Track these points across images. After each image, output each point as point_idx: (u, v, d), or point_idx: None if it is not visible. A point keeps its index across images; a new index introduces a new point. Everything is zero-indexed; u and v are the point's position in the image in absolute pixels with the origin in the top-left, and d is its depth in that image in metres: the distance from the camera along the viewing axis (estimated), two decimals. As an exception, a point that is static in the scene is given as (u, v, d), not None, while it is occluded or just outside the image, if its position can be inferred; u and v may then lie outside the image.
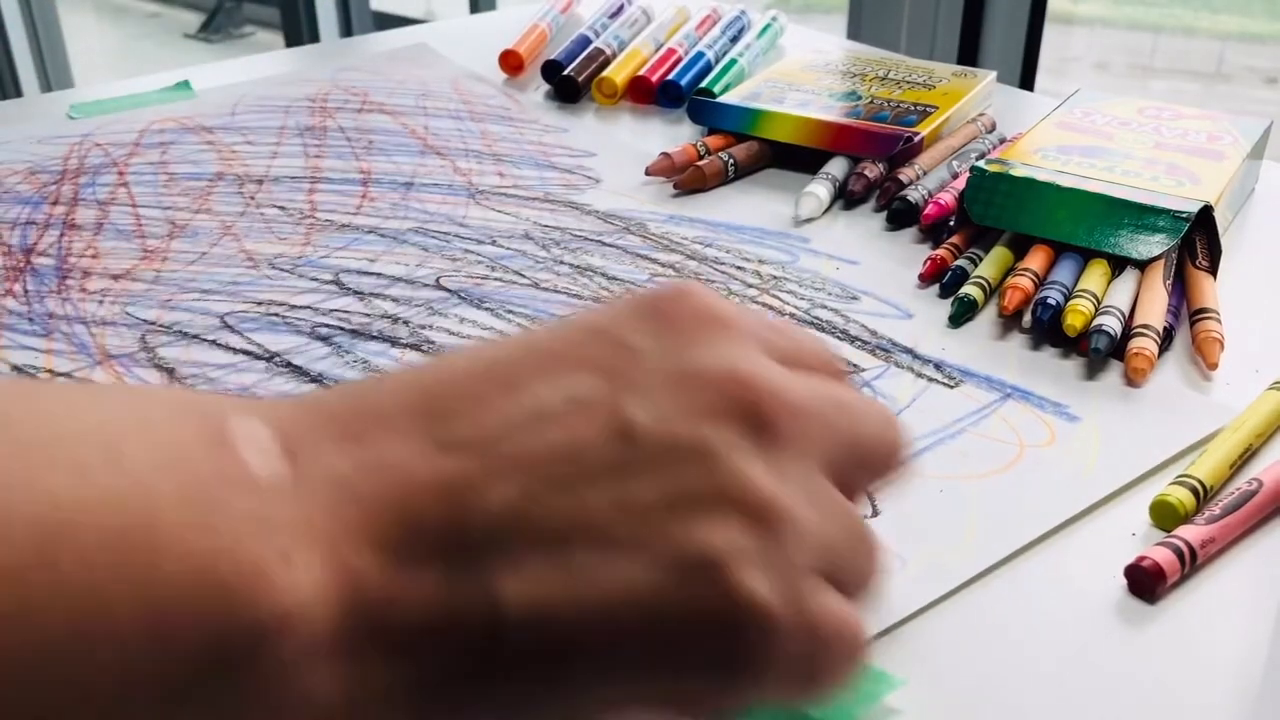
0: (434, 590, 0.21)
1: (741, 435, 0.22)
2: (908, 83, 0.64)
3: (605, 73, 0.69)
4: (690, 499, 0.21)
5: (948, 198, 0.52)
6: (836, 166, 0.57)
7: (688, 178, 0.56)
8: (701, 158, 0.58)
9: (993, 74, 0.66)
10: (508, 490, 0.21)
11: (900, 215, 0.53)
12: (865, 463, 0.24)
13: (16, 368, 0.42)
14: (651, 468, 0.21)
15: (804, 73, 0.66)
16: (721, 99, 0.63)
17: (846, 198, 0.56)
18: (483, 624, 0.20)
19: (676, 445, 0.21)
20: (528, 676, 0.21)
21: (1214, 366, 0.42)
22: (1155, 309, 0.43)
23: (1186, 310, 0.45)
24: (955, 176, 0.56)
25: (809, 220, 0.54)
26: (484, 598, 0.20)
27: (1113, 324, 0.42)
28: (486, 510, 0.21)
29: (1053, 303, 0.43)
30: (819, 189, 0.54)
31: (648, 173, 0.57)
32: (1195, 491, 0.35)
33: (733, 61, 0.70)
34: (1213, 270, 0.46)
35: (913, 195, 0.54)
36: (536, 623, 0.20)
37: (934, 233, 0.52)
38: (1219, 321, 0.43)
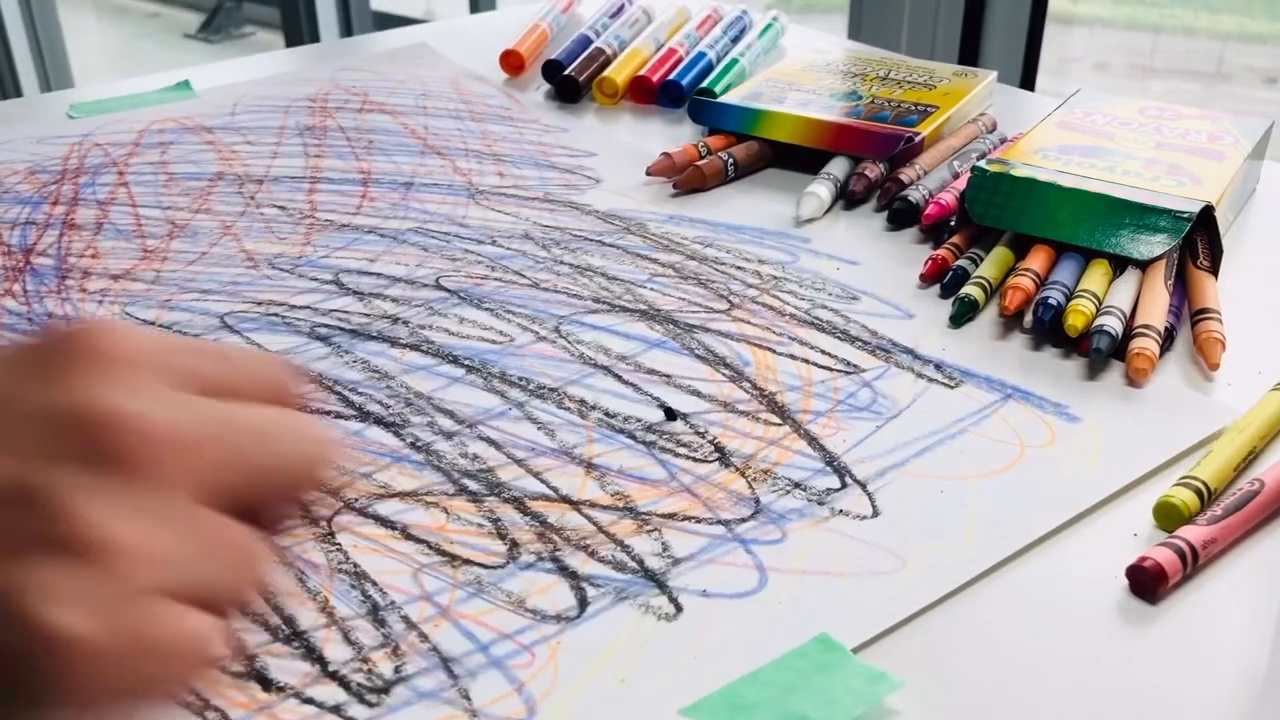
0: None
1: (86, 474, 0.22)
2: (908, 83, 0.64)
3: (606, 73, 0.69)
4: (11, 541, 0.22)
5: (948, 198, 0.52)
6: (837, 166, 0.57)
7: (687, 177, 0.56)
8: (702, 157, 0.58)
9: (993, 74, 0.66)
10: None
11: (901, 215, 0.53)
12: (270, 483, 0.25)
13: (16, 368, 0.42)
14: None
15: (804, 73, 0.65)
16: (722, 99, 0.62)
17: (847, 198, 0.56)
18: None
19: (4, 489, 0.22)
20: None
21: (1215, 367, 0.42)
22: (1156, 309, 0.43)
23: (1188, 310, 0.45)
24: (956, 176, 0.56)
25: (810, 220, 0.54)
26: None
27: (1114, 324, 0.42)
28: None
29: (1054, 303, 0.43)
30: (820, 189, 0.54)
31: (648, 173, 0.57)
32: (1199, 493, 0.35)
33: (734, 61, 0.70)
34: (1214, 270, 0.46)
35: (913, 195, 0.54)
36: None
37: (934, 233, 0.52)
38: (1220, 322, 0.43)
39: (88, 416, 0.22)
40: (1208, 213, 0.47)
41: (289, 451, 0.25)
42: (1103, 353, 0.42)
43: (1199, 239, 0.47)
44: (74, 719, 0.22)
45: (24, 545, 0.22)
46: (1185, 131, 0.54)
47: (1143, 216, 0.46)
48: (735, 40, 0.74)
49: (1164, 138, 0.53)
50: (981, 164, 0.49)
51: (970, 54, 1.43)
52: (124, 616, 0.22)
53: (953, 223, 0.51)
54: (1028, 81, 1.43)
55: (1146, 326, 0.42)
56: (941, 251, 0.49)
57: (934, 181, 0.55)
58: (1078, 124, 0.55)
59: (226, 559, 0.24)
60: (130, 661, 0.22)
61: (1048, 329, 0.43)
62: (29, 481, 0.22)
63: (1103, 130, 0.54)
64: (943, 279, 0.47)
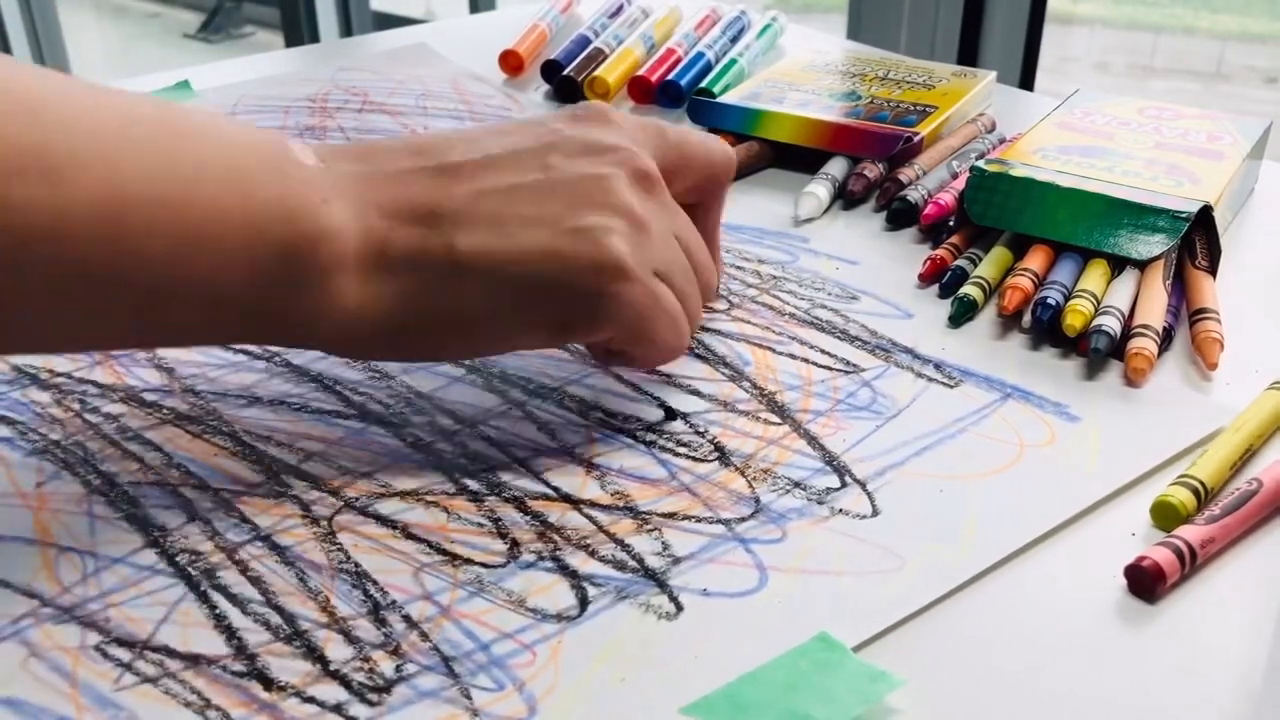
0: (417, 240, 0.34)
1: (629, 179, 0.36)
2: (907, 83, 0.64)
3: (597, 72, 0.69)
4: (587, 202, 0.35)
5: (947, 198, 0.52)
6: (836, 166, 0.57)
7: (742, 156, 0.57)
8: None
9: (992, 74, 0.66)
10: (467, 192, 0.35)
11: (900, 215, 0.53)
12: (706, 184, 0.41)
13: (16, 367, 0.42)
14: (564, 187, 0.35)
15: (804, 73, 0.66)
16: (721, 99, 0.63)
17: (846, 198, 0.56)
18: (446, 258, 0.34)
19: (584, 175, 0.36)
20: (474, 295, 0.34)
21: (1213, 366, 0.42)
22: (1155, 309, 0.43)
23: (1186, 310, 0.45)
24: (955, 176, 0.56)
25: (808, 220, 0.54)
26: (447, 244, 0.34)
27: (1112, 324, 0.42)
28: (452, 202, 0.35)
29: (1052, 303, 0.43)
30: (818, 189, 0.54)
31: None
32: (1196, 492, 0.35)
33: (733, 61, 0.70)
34: (1212, 270, 0.46)
35: (912, 195, 0.54)
36: (479, 257, 0.34)
37: (934, 233, 0.52)
38: (1219, 321, 0.43)
39: (627, 149, 0.37)
40: (1206, 213, 0.47)
41: (714, 158, 0.41)
42: (1101, 352, 0.42)
43: (1197, 239, 0.47)
44: (604, 333, 0.36)
45: (594, 205, 0.35)
46: (1184, 131, 0.54)
47: (1141, 216, 0.46)
48: (734, 40, 0.74)
49: (1163, 138, 0.53)
50: (980, 164, 0.49)
51: (970, 54, 1.43)
52: (647, 268, 0.36)
53: (951, 223, 0.51)
54: (1027, 81, 1.43)
55: (1145, 326, 0.42)
56: (940, 251, 0.49)
57: (933, 181, 0.55)
58: (1077, 124, 0.55)
59: (694, 266, 0.38)
60: (646, 301, 0.36)
61: (1046, 329, 0.43)
62: (603, 172, 0.36)
63: (1102, 130, 0.54)
64: (941, 279, 0.47)
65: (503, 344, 0.37)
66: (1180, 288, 0.46)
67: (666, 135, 0.39)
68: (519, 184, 0.35)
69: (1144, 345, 0.41)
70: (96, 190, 0.29)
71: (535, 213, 0.35)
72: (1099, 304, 0.43)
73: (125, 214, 0.30)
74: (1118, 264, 0.46)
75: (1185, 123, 0.55)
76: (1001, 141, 0.59)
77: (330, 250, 0.33)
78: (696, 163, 0.40)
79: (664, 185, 0.37)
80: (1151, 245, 0.45)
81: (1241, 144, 0.53)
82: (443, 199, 0.34)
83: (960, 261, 0.48)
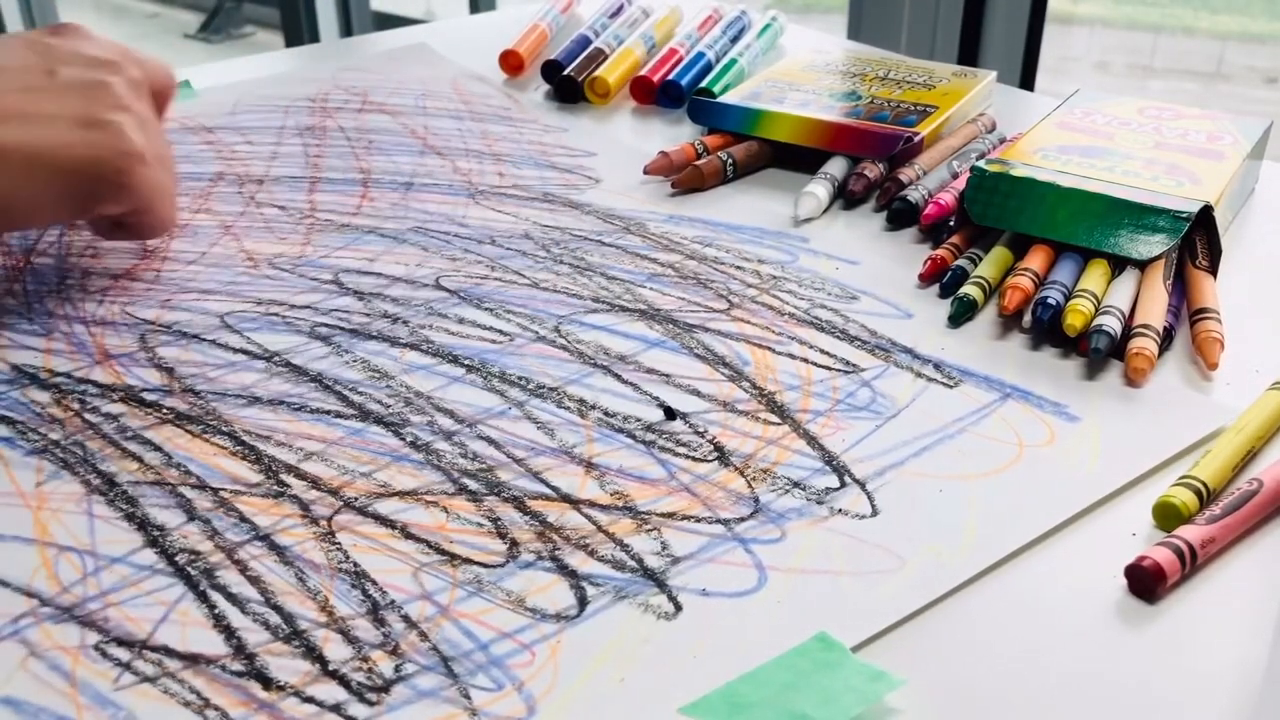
0: None
1: (127, 85, 0.45)
2: (908, 83, 0.64)
3: (598, 72, 0.69)
4: (100, 104, 0.43)
5: (948, 198, 0.52)
6: (836, 166, 0.57)
7: (685, 177, 0.56)
8: (700, 157, 0.58)
9: (993, 74, 0.66)
10: None
11: (900, 215, 0.53)
12: (162, 93, 0.49)
13: (16, 367, 0.42)
14: (77, 90, 0.43)
15: (804, 73, 0.66)
16: (721, 99, 0.62)
17: (846, 197, 0.56)
18: None
19: (93, 80, 0.44)
20: (8, 181, 0.41)
21: (1214, 367, 0.42)
22: (1155, 309, 0.43)
23: (1187, 310, 0.45)
24: (955, 176, 0.56)
25: (808, 220, 0.54)
26: None
27: (1112, 324, 0.42)
28: None
29: (1053, 303, 0.43)
30: (818, 189, 0.54)
31: (646, 171, 0.57)
32: (1198, 493, 0.35)
33: (733, 61, 0.70)
34: (1213, 270, 0.46)
35: (913, 195, 0.54)
36: (13, 150, 0.41)
37: (934, 233, 0.52)
38: (1219, 321, 0.43)
39: (118, 63, 0.46)
40: (1207, 213, 0.47)
41: (165, 75, 0.49)
42: (1101, 352, 0.42)
43: (1198, 239, 0.47)
44: (135, 213, 0.45)
45: (113, 107, 0.44)
46: (1185, 131, 0.54)
47: (1141, 216, 0.46)
48: (734, 40, 0.74)
49: (1163, 138, 0.53)
50: (981, 164, 0.49)
51: (970, 54, 1.43)
52: (155, 154, 0.45)
53: (952, 222, 0.51)
54: (1027, 81, 1.43)
55: (1145, 326, 0.42)
56: (941, 251, 0.49)
57: (933, 181, 0.55)
58: (1077, 124, 0.55)
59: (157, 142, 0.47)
60: (158, 180, 0.45)
61: (1046, 329, 0.43)
62: (107, 80, 0.44)
63: (1102, 130, 0.54)
64: (942, 279, 0.47)
65: (35, 220, 0.44)
66: (1181, 288, 0.46)
67: (129, 54, 0.47)
68: (35, 86, 0.43)
69: (1144, 345, 0.41)
70: None
71: (56, 110, 0.42)
72: (1099, 304, 0.43)
73: None
74: (1118, 264, 0.46)
75: (1185, 123, 0.55)
76: (1002, 141, 0.59)
77: None
78: (159, 76, 0.49)
79: (146, 90, 0.47)
80: (1152, 245, 0.45)
81: (1242, 144, 0.53)
82: None
83: (960, 261, 0.48)
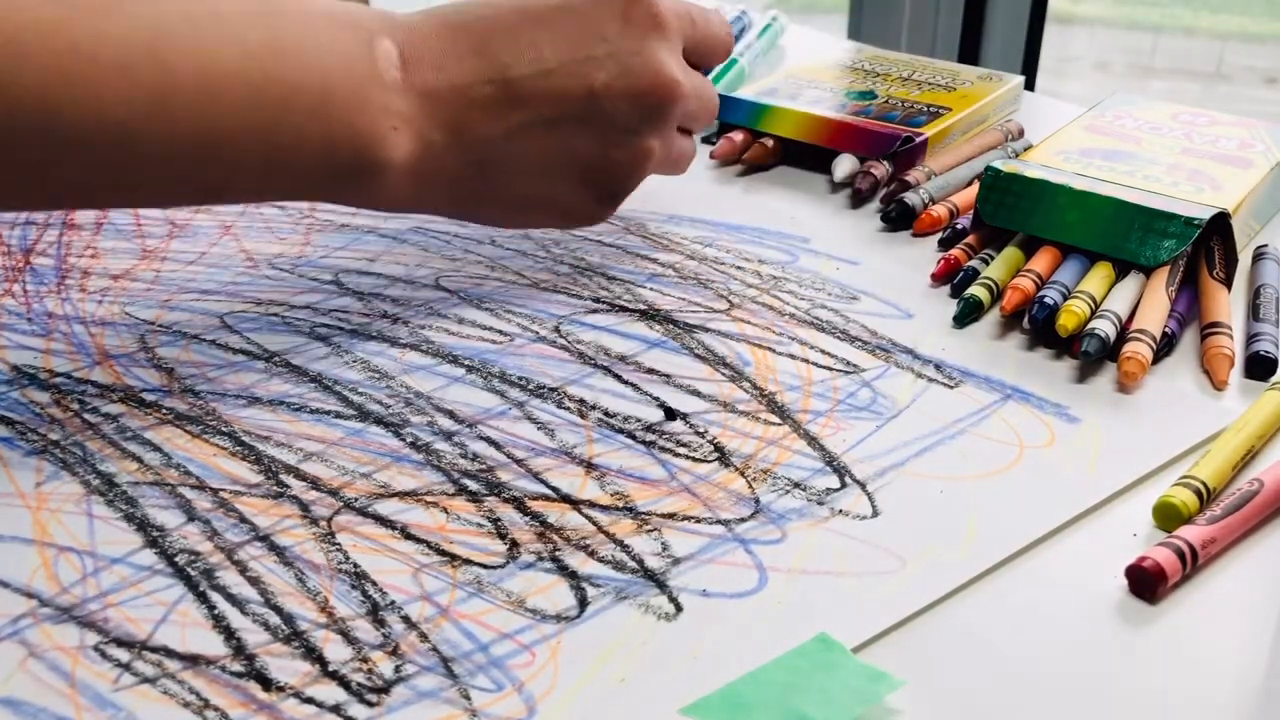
0: (465, 175, 0.42)
1: (661, 147, 0.45)
2: (929, 84, 0.64)
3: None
4: (620, 169, 0.45)
5: (940, 210, 0.52)
6: (848, 161, 0.57)
7: (753, 154, 0.59)
8: (753, 143, 0.60)
9: (1019, 78, 0.66)
10: (516, 125, 0.42)
11: (897, 218, 0.53)
12: (713, 58, 0.48)
13: (15, 367, 0.42)
14: (602, 132, 0.43)
15: (827, 69, 0.65)
16: (734, 93, 0.62)
17: (853, 196, 0.56)
18: (488, 194, 0.44)
19: (623, 143, 0.44)
20: (499, 216, 0.46)
21: (1223, 384, 0.41)
22: (1154, 315, 0.43)
23: (1199, 322, 0.44)
24: (970, 183, 0.56)
25: (844, 184, 0.56)
26: (491, 186, 0.44)
27: (1106, 327, 0.42)
28: (505, 141, 0.42)
29: (1050, 302, 0.43)
30: (847, 158, 0.57)
31: (712, 156, 0.59)
32: (1199, 493, 0.35)
33: (733, 61, 0.70)
34: (1228, 282, 0.46)
35: (911, 199, 0.54)
36: (515, 199, 0.44)
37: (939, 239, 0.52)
38: (1231, 336, 0.42)
39: (665, 93, 0.43)
40: (1222, 220, 0.46)
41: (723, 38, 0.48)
42: (1091, 355, 0.41)
43: (1216, 248, 0.46)
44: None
45: (630, 177, 0.45)
46: (1216, 138, 0.54)
47: (1151, 221, 0.45)
48: (735, 40, 0.74)
49: (1192, 144, 0.53)
50: (996, 164, 0.49)
51: (970, 54, 1.43)
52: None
53: (958, 225, 0.51)
54: (1028, 82, 1.43)
55: (1141, 331, 0.42)
56: (955, 252, 0.49)
57: (945, 185, 0.55)
58: (1105, 127, 0.54)
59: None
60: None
61: (1041, 328, 0.43)
62: (641, 146, 0.44)
63: (1130, 134, 0.53)
64: (954, 279, 0.47)
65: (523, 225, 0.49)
66: (1189, 294, 0.46)
67: (696, 26, 0.46)
68: (562, 117, 0.42)
69: (1137, 350, 0.41)
70: (196, 109, 0.36)
71: (568, 155, 0.43)
72: (1097, 306, 0.43)
73: (220, 146, 0.36)
74: (1124, 268, 0.45)
75: (1219, 129, 0.55)
76: (1027, 148, 0.59)
77: (390, 176, 0.40)
78: (719, 48, 0.48)
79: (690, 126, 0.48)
80: (1159, 251, 0.45)
81: (1274, 152, 0.52)
82: (495, 136, 0.42)
83: (973, 262, 0.48)
